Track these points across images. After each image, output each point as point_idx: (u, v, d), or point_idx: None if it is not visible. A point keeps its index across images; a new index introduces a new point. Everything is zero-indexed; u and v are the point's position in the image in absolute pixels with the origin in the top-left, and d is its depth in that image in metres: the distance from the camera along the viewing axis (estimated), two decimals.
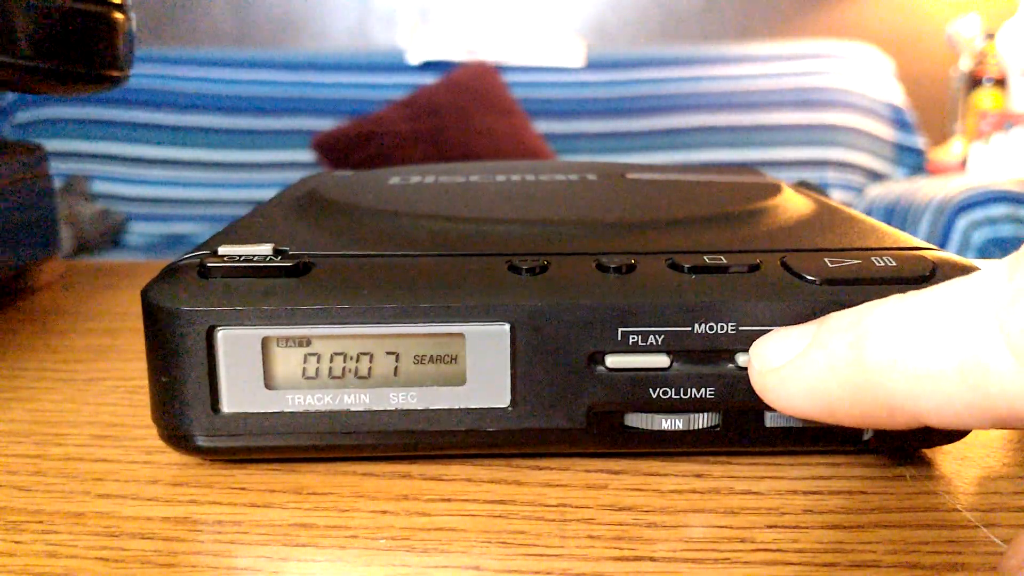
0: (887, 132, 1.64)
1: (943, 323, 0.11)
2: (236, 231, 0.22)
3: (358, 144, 1.52)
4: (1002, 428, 0.12)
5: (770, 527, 0.17)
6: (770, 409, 0.17)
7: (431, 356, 0.18)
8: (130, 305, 0.33)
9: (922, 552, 0.16)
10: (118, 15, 0.29)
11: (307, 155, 1.58)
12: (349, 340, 0.18)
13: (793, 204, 0.24)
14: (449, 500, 0.18)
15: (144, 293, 0.18)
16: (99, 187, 1.56)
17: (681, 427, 0.18)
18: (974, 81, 1.69)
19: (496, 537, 0.16)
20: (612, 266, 0.18)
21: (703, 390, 0.18)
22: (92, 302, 0.34)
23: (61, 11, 0.27)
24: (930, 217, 1.16)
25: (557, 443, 0.19)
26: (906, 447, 0.19)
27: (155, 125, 1.60)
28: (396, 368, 0.18)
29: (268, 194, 1.47)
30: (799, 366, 0.13)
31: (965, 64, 1.70)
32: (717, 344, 0.18)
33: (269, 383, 0.18)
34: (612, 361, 0.18)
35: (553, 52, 1.66)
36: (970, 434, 0.19)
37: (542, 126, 1.60)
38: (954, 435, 0.19)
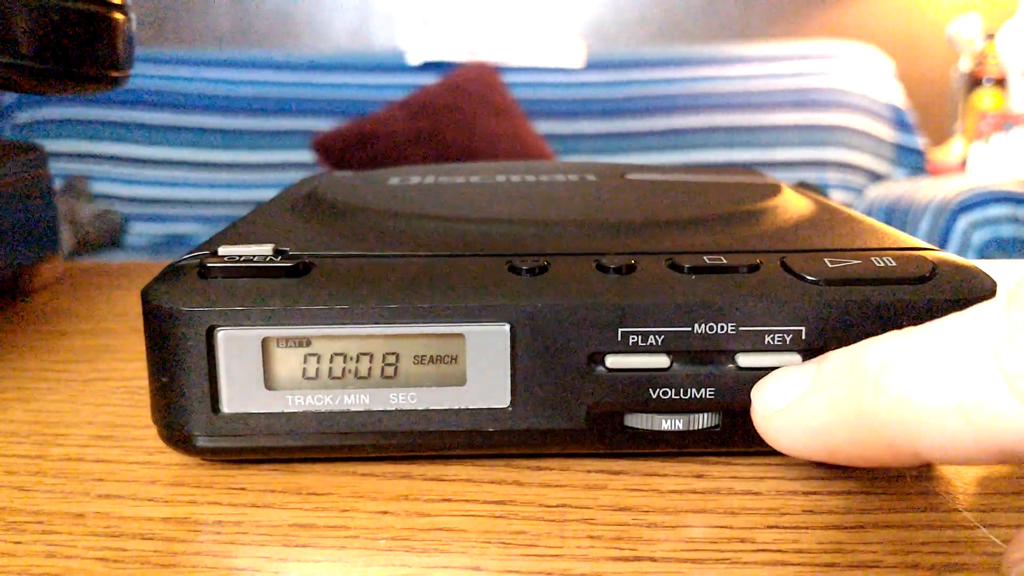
0: (887, 132, 1.64)
1: (941, 361, 0.11)
2: (236, 231, 0.22)
3: (358, 144, 1.52)
4: (1007, 463, 0.12)
5: (770, 527, 0.17)
6: None
7: (431, 356, 0.18)
8: (130, 305, 0.33)
9: (922, 552, 0.16)
10: (118, 15, 0.29)
11: (307, 155, 1.58)
12: (349, 340, 0.18)
13: (793, 204, 0.24)
14: (449, 500, 0.18)
15: (144, 293, 0.18)
16: (99, 187, 1.56)
17: (681, 427, 0.18)
18: (974, 81, 1.69)
19: (496, 537, 0.16)
20: (612, 266, 0.18)
21: (703, 390, 0.18)
22: (92, 302, 0.34)
23: (61, 11, 0.27)
24: (930, 217, 1.16)
25: (557, 443, 0.19)
26: None
27: (155, 125, 1.60)
28: (396, 368, 0.18)
29: (268, 194, 1.47)
30: (800, 409, 0.13)
31: (965, 64, 1.70)
32: (717, 344, 0.18)
33: (269, 383, 0.18)
34: (612, 361, 0.18)
35: (553, 52, 1.66)
36: None
37: (542, 126, 1.60)
38: None
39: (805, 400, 0.13)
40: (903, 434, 0.12)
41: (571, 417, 0.18)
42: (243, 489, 0.18)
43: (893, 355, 0.12)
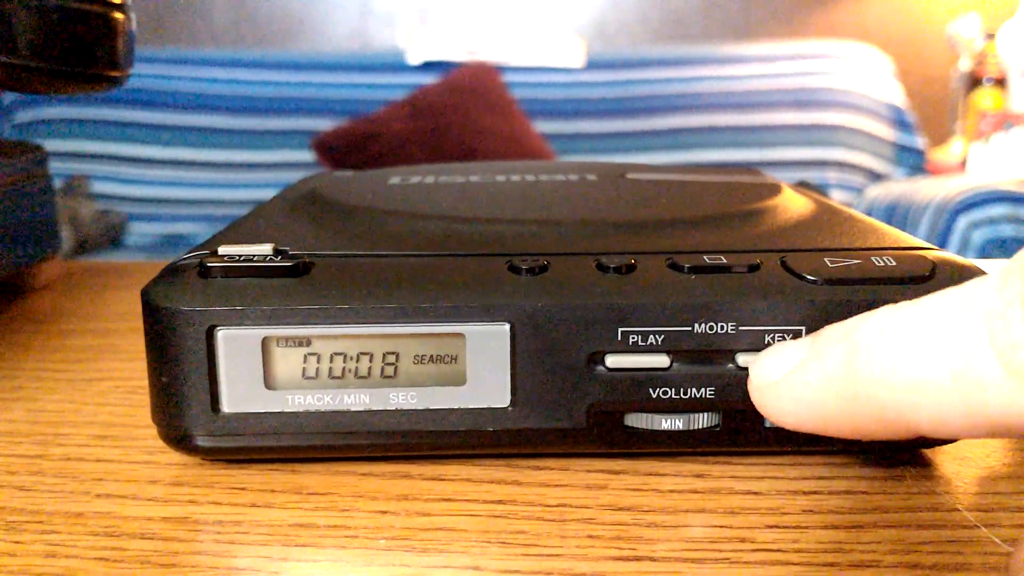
0: (887, 132, 1.64)
1: (934, 333, 0.11)
2: (236, 231, 0.22)
3: (358, 144, 1.52)
4: (996, 437, 0.12)
5: (770, 527, 0.17)
6: None
7: (431, 356, 0.18)
8: (130, 305, 0.33)
9: (922, 552, 0.16)
10: (118, 15, 0.29)
11: (307, 155, 1.58)
12: (349, 340, 0.18)
13: (793, 204, 0.24)
14: (449, 500, 0.18)
15: (144, 293, 0.18)
16: (99, 187, 1.55)
17: (681, 427, 0.18)
18: (974, 81, 1.69)
19: (496, 537, 0.16)
20: (612, 266, 0.18)
21: (703, 390, 0.18)
22: (92, 302, 0.34)
23: (61, 11, 0.27)
24: (930, 217, 1.16)
25: (557, 443, 0.19)
26: (906, 447, 0.19)
27: (155, 125, 1.60)
28: (396, 368, 0.18)
29: (268, 194, 1.47)
30: (794, 380, 0.13)
31: (965, 64, 1.70)
32: (717, 344, 0.18)
33: (269, 383, 0.18)
34: (612, 361, 0.18)
35: (553, 52, 1.66)
36: None
37: (542, 126, 1.60)
38: None
39: (800, 372, 0.13)
40: (895, 406, 0.12)
41: (571, 417, 0.18)
42: (243, 489, 0.18)
43: (886, 327, 0.12)
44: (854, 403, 0.12)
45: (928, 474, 0.19)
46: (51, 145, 0.38)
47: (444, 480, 0.19)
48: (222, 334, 0.18)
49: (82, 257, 1.36)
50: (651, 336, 0.18)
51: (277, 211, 0.25)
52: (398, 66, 1.66)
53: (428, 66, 1.66)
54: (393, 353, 0.18)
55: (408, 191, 0.26)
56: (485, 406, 0.18)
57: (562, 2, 1.88)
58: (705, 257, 0.18)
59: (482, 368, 0.18)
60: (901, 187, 1.36)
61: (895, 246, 0.20)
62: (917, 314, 0.12)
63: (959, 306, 0.11)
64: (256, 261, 0.18)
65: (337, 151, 1.53)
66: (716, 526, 0.17)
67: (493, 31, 1.78)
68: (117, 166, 1.58)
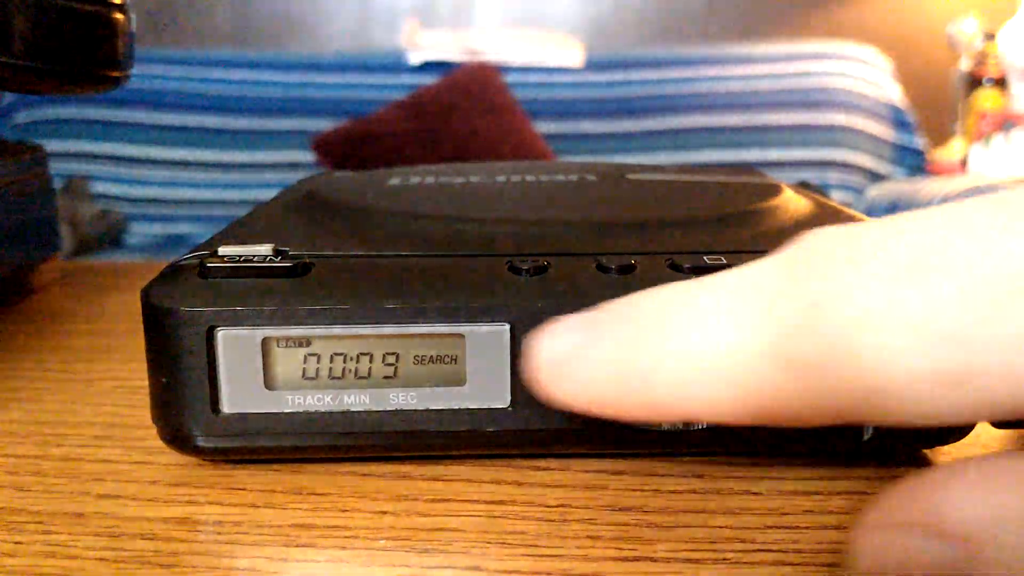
0: (887, 132, 1.64)
1: (710, 315, 0.11)
2: (236, 231, 0.22)
3: (358, 144, 1.52)
4: (772, 424, 0.11)
5: (770, 527, 0.17)
6: None
7: (431, 356, 0.18)
8: (130, 305, 0.33)
9: None
10: (118, 15, 0.29)
11: (307, 155, 1.58)
12: (349, 340, 0.18)
13: (793, 205, 0.24)
14: (449, 500, 0.18)
15: (144, 293, 0.18)
16: (99, 187, 1.55)
17: (681, 427, 0.18)
18: (974, 81, 1.69)
19: (496, 537, 0.16)
20: (612, 266, 0.18)
21: None
22: (92, 302, 0.34)
23: (61, 11, 0.27)
24: None
25: (557, 443, 0.19)
26: (906, 447, 0.19)
27: (155, 125, 1.60)
28: (396, 368, 0.18)
29: (268, 194, 1.46)
30: (576, 362, 0.12)
31: (965, 64, 1.70)
32: None
33: (269, 383, 0.18)
34: None
35: (553, 52, 1.66)
36: (970, 434, 0.19)
37: (542, 126, 1.60)
38: (954, 435, 0.19)
39: (581, 353, 0.12)
40: (669, 391, 0.11)
41: (571, 417, 0.18)
42: (243, 489, 0.18)
43: (666, 307, 0.11)
44: (632, 387, 0.11)
45: None
46: (51, 145, 0.38)
47: (444, 480, 0.19)
48: (222, 334, 0.18)
49: (82, 257, 1.36)
50: None
51: (277, 211, 0.25)
52: (398, 66, 1.66)
53: (428, 66, 1.66)
54: (393, 353, 0.18)
55: (408, 191, 0.26)
56: (485, 406, 0.18)
57: (562, 2, 1.88)
58: (705, 258, 0.18)
59: (482, 368, 0.18)
60: (901, 187, 1.36)
61: None
62: (698, 295, 0.11)
63: (737, 289, 0.11)
64: (256, 261, 0.18)
65: (337, 151, 1.53)
66: (716, 526, 0.17)
67: (493, 31, 1.78)
68: (117, 166, 1.58)
